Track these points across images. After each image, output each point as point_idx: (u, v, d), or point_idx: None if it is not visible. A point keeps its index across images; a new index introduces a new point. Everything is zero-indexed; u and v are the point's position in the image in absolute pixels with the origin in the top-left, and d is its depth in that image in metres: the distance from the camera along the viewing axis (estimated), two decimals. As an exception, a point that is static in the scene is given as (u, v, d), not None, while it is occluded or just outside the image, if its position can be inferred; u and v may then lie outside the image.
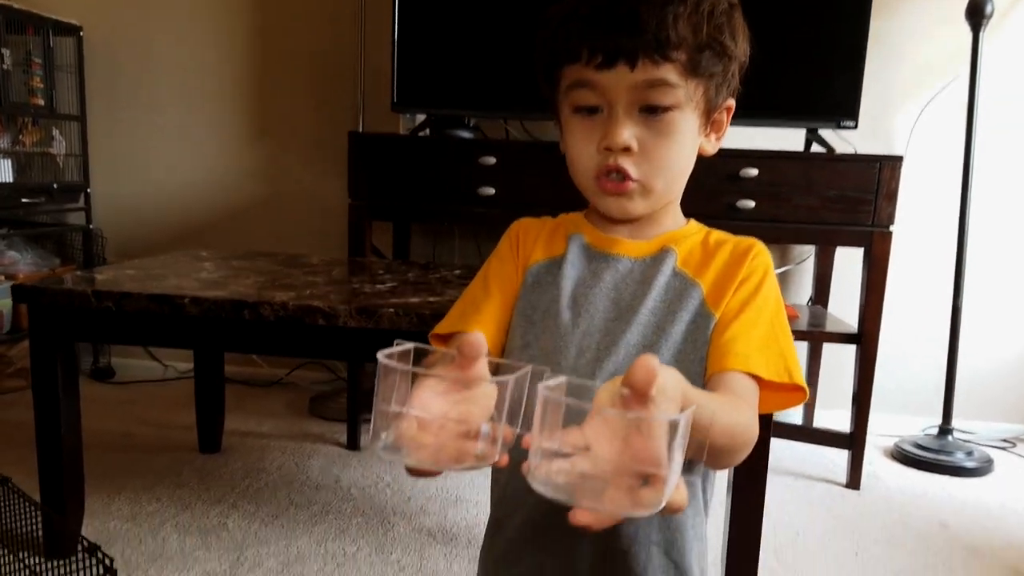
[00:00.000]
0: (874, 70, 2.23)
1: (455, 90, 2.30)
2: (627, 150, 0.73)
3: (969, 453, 2.37)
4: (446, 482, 2.07)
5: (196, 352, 2.20)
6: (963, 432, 2.50)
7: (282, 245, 2.72)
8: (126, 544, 1.69)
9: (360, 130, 2.51)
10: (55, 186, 2.67)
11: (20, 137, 2.66)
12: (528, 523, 0.77)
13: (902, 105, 2.49)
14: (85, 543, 1.09)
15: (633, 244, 0.80)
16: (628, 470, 0.49)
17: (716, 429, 0.59)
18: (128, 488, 1.96)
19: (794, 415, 2.56)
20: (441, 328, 0.84)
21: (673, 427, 0.49)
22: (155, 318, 1.50)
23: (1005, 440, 2.57)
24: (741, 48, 0.76)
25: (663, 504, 0.50)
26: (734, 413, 0.66)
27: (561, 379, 0.54)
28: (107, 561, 1.06)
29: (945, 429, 2.42)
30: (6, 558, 1.24)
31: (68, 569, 1.13)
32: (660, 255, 0.79)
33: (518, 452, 0.56)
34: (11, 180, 2.60)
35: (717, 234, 0.82)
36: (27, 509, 1.32)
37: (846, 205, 2.05)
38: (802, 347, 2.48)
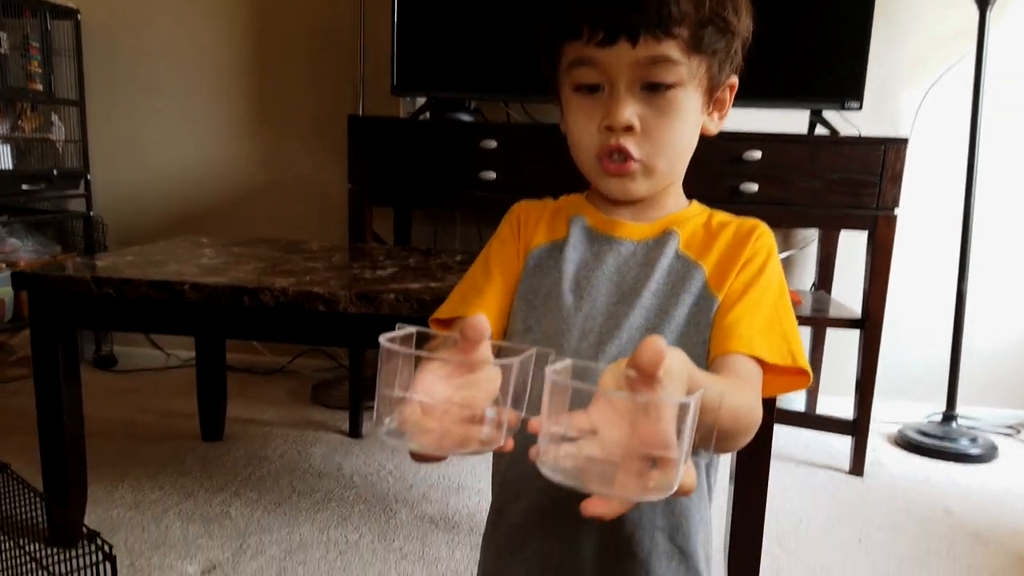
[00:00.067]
0: (879, 51, 2.20)
1: (456, 73, 2.28)
2: (629, 129, 0.72)
3: (973, 440, 2.36)
4: (448, 469, 2.07)
5: (198, 340, 2.20)
6: (967, 419, 2.49)
7: (282, 231, 2.72)
8: (129, 532, 1.69)
9: (360, 114, 2.49)
10: (55, 172, 2.66)
11: (19, 123, 2.65)
12: (534, 508, 0.76)
13: (907, 86, 2.46)
14: (85, 530, 1.08)
15: (635, 227, 0.79)
16: (637, 453, 0.49)
17: (722, 412, 0.58)
18: (131, 476, 1.96)
19: (797, 402, 2.55)
20: (442, 312, 0.83)
21: (684, 409, 0.48)
22: (155, 304, 1.50)
23: (1010, 427, 2.56)
24: (744, 24, 0.75)
25: (675, 487, 0.49)
26: (739, 396, 0.65)
27: (567, 362, 0.53)
28: (106, 548, 1.05)
29: (949, 415, 2.41)
30: (5, 544, 1.24)
31: (68, 556, 1.12)
32: (663, 237, 0.78)
33: (522, 436, 0.56)
34: (11, 167, 2.59)
35: (720, 215, 0.81)
36: (28, 496, 1.31)
37: (850, 188, 2.03)
38: (805, 333, 2.46)
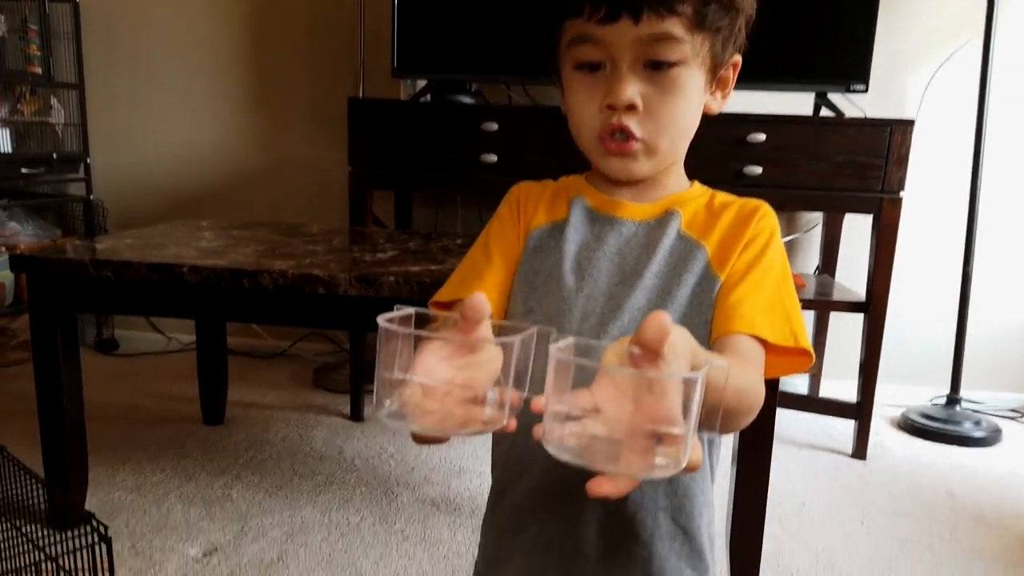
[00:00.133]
0: (885, 32, 2.18)
1: (456, 55, 2.26)
2: (631, 108, 0.70)
3: (977, 423, 2.35)
4: (449, 452, 2.07)
5: (198, 323, 2.19)
6: (971, 402, 2.49)
7: (282, 214, 2.71)
8: (130, 515, 1.70)
9: (360, 96, 2.47)
10: (55, 156, 2.65)
11: (18, 106, 2.63)
12: (537, 489, 0.76)
13: (914, 68, 2.44)
14: (82, 513, 1.08)
15: (637, 207, 0.78)
16: (642, 430, 0.48)
17: (727, 390, 0.57)
18: (132, 459, 1.96)
19: (800, 385, 2.54)
20: (441, 295, 0.82)
21: (690, 385, 0.47)
22: (154, 287, 1.49)
23: (1014, 410, 2.55)
24: (748, 1, 0.73)
25: (683, 464, 0.49)
26: (742, 375, 0.64)
27: (569, 340, 0.53)
28: (101, 529, 1.05)
29: (953, 399, 2.40)
30: (2, 525, 1.24)
31: (63, 537, 1.12)
32: (664, 217, 0.77)
33: (524, 416, 0.55)
34: (10, 150, 2.58)
35: (722, 196, 0.80)
36: (25, 479, 1.31)
37: (855, 171, 2.01)
38: (809, 316, 2.46)
